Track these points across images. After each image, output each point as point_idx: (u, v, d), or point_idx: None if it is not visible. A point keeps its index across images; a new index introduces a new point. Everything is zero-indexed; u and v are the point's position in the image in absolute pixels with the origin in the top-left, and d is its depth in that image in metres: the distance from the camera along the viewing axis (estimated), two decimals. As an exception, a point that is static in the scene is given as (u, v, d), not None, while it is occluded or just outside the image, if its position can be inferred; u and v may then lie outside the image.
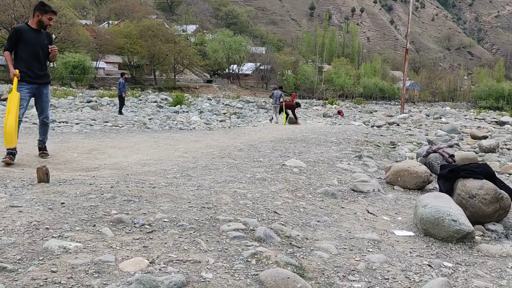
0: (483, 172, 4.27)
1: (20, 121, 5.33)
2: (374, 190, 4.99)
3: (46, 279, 2.02)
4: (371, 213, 4.18)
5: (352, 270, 2.70)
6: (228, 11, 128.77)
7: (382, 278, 2.65)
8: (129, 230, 2.78)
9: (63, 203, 3.22)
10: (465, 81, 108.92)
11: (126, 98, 21.14)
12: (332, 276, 2.58)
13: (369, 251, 3.10)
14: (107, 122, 15.43)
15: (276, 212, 3.62)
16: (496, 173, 4.73)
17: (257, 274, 2.34)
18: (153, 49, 62.39)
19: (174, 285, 2.07)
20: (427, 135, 14.65)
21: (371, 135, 12.36)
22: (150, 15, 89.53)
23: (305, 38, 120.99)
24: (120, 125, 14.71)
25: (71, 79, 51.28)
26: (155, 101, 31.85)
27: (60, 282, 2.01)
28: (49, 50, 5.53)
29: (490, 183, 4.17)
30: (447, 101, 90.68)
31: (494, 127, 20.35)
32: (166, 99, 34.71)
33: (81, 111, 20.42)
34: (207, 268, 2.35)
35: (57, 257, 2.27)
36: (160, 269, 2.25)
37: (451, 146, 9.29)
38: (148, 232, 2.77)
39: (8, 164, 5.06)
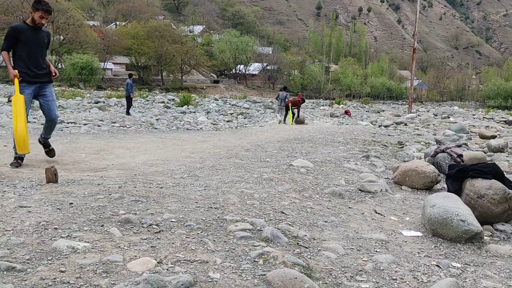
0: (492, 172, 4.24)
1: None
2: (381, 190, 4.97)
3: (54, 279, 2.04)
4: (378, 213, 4.17)
5: (360, 271, 2.69)
6: (234, 12, 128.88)
7: (390, 279, 2.64)
8: (137, 230, 2.80)
9: (72, 203, 3.24)
10: (473, 80, 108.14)
11: (133, 99, 21.23)
12: (340, 276, 2.57)
13: (376, 251, 3.09)
14: (114, 122, 15.51)
15: (283, 212, 3.61)
16: (505, 173, 4.69)
17: (264, 274, 2.34)
18: (160, 49, 62.59)
19: (182, 285, 2.08)
20: (435, 134, 14.56)
21: (378, 135, 12.31)
22: (157, 16, 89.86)
23: (312, 38, 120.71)
24: (127, 126, 14.78)
25: (79, 80, 51.59)
26: (162, 102, 31.96)
27: (68, 282, 2.02)
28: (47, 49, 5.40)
29: (499, 183, 4.14)
30: (455, 101, 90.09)
31: (503, 127, 20.20)
32: (173, 99, 34.82)
33: (89, 111, 20.54)
34: (215, 268, 2.35)
35: (66, 257, 2.28)
36: (167, 269, 2.26)
37: (459, 146, 9.22)
38: (155, 232, 2.78)
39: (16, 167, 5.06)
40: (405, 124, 20.54)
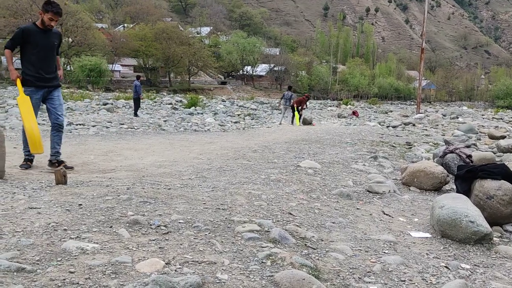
0: (501, 172, 4.20)
1: None
2: (389, 191, 4.95)
3: (64, 279, 2.05)
4: (386, 214, 4.15)
5: (368, 272, 2.68)
6: (242, 13, 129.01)
7: (398, 280, 2.63)
8: (145, 231, 2.81)
9: (81, 204, 3.27)
10: (482, 80, 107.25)
11: (141, 100, 21.32)
12: (348, 277, 2.57)
13: (385, 252, 3.08)
14: (123, 124, 15.59)
15: (290, 213, 3.61)
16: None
17: (272, 275, 2.34)
18: (167, 51, 62.82)
19: (190, 286, 2.09)
20: (444, 135, 14.47)
21: (386, 135, 12.26)
22: (165, 17, 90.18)
23: (319, 39, 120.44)
24: (135, 127, 14.85)
25: (88, 82, 51.94)
26: (170, 103, 32.09)
27: (78, 283, 2.03)
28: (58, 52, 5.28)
29: (508, 183, 4.10)
30: (464, 101, 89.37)
31: (513, 127, 19.99)
32: (180, 101, 34.93)
33: (98, 113, 20.67)
34: (223, 269, 2.36)
35: (75, 258, 2.30)
36: (176, 270, 2.27)
37: (468, 146, 9.16)
38: (164, 233, 2.79)
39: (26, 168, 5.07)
40: (414, 125, 20.43)
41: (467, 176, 4.45)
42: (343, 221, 3.71)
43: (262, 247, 2.74)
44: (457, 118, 26.24)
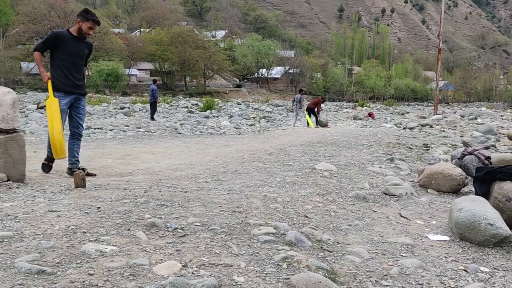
0: (521, 174, 4.14)
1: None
2: (406, 193, 4.90)
3: (83, 282, 2.09)
4: (404, 217, 4.11)
5: (385, 275, 2.67)
6: (256, 16, 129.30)
7: (416, 284, 2.60)
8: (162, 234, 2.84)
9: (99, 207, 3.32)
10: (501, 80, 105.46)
11: (158, 104, 21.52)
12: (365, 281, 2.55)
13: (402, 255, 3.05)
14: (139, 128, 15.75)
15: (306, 216, 3.61)
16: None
17: (288, 278, 2.35)
18: (183, 55, 63.28)
19: (207, 288, 2.10)
20: (462, 136, 14.27)
21: (403, 137, 12.14)
22: (180, 22, 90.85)
23: (334, 41, 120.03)
24: (152, 131, 14.99)
25: (105, 86, 52.64)
26: (186, 107, 32.30)
27: (97, 285, 2.07)
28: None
29: (528, 185, 4.03)
30: (483, 101, 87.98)
31: (533, 128, 19.60)
32: (196, 104, 35.15)
33: (115, 117, 20.92)
34: (239, 271, 2.37)
35: (94, 260, 2.34)
36: (192, 273, 2.28)
37: (487, 148, 9.01)
38: (180, 236, 2.82)
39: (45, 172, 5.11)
40: (431, 126, 20.18)
41: (486, 178, 4.38)
42: (360, 223, 3.69)
43: (278, 249, 2.74)
44: (476, 119, 25.84)
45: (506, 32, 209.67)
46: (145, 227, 2.92)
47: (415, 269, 2.81)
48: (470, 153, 6.25)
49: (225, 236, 2.90)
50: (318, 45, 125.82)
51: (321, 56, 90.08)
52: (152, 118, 19.81)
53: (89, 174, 4.96)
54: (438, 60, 28.74)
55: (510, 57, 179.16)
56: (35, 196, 3.69)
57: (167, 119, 21.71)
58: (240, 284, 2.22)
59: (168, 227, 2.95)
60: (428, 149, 9.70)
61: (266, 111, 32.89)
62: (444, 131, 17.35)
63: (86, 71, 6.16)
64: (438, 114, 28.32)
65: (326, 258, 2.79)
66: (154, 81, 21.02)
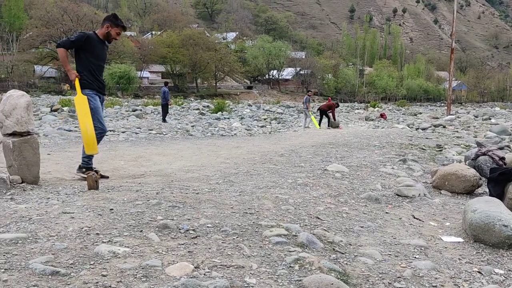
0: (537, 175, 4.08)
1: (103, 132, 5.11)
2: (419, 194, 4.86)
3: (97, 283, 2.11)
4: (417, 219, 4.08)
5: (398, 277, 2.64)
6: (267, 17, 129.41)
7: (429, 286, 2.58)
8: (174, 236, 2.85)
9: (112, 209, 3.34)
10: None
11: (169, 106, 21.65)
12: (377, 283, 2.54)
13: (415, 257, 3.03)
14: (151, 130, 15.85)
15: (318, 218, 3.60)
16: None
17: (300, 280, 2.34)
18: (194, 57, 63.59)
19: (219, 289, 2.11)
20: (476, 137, 14.10)
21: (415, 138, 12.04)
22: (191, 24, 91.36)
23: (345, 41, 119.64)
24: (164, 133, 15.07)
25: (117, 89, 53.12)
26: (197, 109, 32.44)
27: (110, 286, 2.08)
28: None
29: (544, 186, 3.98)
30: (497, 101, 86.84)
31: (549, 128, 19.29)
32: (207, 106, 35.27)
33: (127, 119, 21.08)
34: (251, 273, 2.37)
35: (107, 262, 2.35)
36: (204, 274, 2.29)
37: (501, 148, 8.90)
38: (192, 238, 2.83)
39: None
40: (444, 127, 19.99)
41: (500, 179, 4.33)
42: (372, 225, 3.67)
43: (290, 251, 2.74)
44: (489, 119, 25.55)
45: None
46: (157, 229, 2.94)
47: (429, 271, 2.78)
48: (484, 154, 6.17)
49: (237, 237, 2.90)
50: (329, 46, 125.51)
51: (332, 57, 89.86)
52: (164, 120, 19.92)
53: (102, 176, 5.00)
54: (450, 60, 28.48)
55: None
56: (49, 198, 3.73)
57: (179, 121, 21.82)
58: (252, 286, 2.22)
59: (180, 229, 2.97)
60: (441, 150, 9.61)
61: (277, 113, 32.87)
62: (457, 131, 17.17)
63: None
64: (451, 115, 28.05)
65: (338, 260, 2.77)
66: (166, 84, 21.14)
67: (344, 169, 5.93)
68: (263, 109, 37.22)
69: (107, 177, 5.13)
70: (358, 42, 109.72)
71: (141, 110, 27.22)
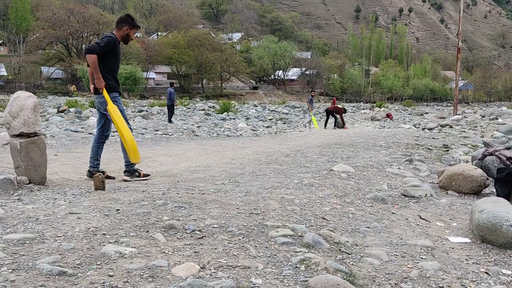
0: (545, 175, 4.05)
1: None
2: (426, 195, 4.84)
3: (104, 283, 2.12)
4: (423, 219, 4.06)
5: (405, 278, 2.63)
6: (273, 18, 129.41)
7: (436, 286, 2.57)
8: (180, 236, 2.86)
9: (118, 209, 3.36)
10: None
11: (175, 107, 21.69)
12: (384, 283, 2.53)
13: (422, 258, 3.01)
14: (157, 130, 15.88)
15: (324, 218, 3.59)
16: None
17: (306, 280, 2.34)
18: (200, 58, 63.72)
19: (225, 290, 2.11)
20: (483, 137, 14.01)
21: (422, 138, 11.99)
22: (197, 25, 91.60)
23: (351, 41, 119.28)
24: (170, 133, 15.10)
25: (123, 89, 53.30)
26: (203, 109, 32.48)
27: (117, 286, 2.09)
28: None
29: (552, 186, 3.94)
30: (504, 101, 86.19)
31: (557, 127, 19.12)
32: (213, 106, 35.32)
33: (133, 120, 21.14)
34: (257, 273, 2.37)
35: (114, 262, 2.36)
36: (210, 274, 2.29)
37: (508, 148, 8.84)
38: (198, 238, 2.83)
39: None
40: (451, 127, 19.88)
41: (507, 179, 4.31)
42: (378, 225, 3.66)
43: (296, 252, 2.74)
44: (497, 119, 25.38)
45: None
46: (163, 229, 2.95)
47: (435, 272, 2.77)
48: (491, 154, 6.13)
49: (243, 238, 2.90)
50: (335, 46, 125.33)
51: (338, 57, 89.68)
52: (170, 121, 19.96)
53: (108, 177, 5.03)
54: (457, 59, 28.33)
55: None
56: (56, 198, 3.76)
57: (185, 121, 21.85)
58: (258, 286, 2.22)
59: (186, 229, 2.97)
60: (448, 150, 9.56)
61: (283, 113, 32.83)
62: (464, 131, 17.07)
63: None
64: (458, 114, 27.88)
65: (344, 260, 2.77)
66: (171, 84, 21.18)
67: (350, 169, 5.91)
68: (269, 109, 37.19)
69: (114, 178, 5.16)
70: (364, 42, 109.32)
71: (147, 111, 27.30)
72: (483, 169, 5.83)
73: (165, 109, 24.42)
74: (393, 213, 4.17)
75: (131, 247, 2.59)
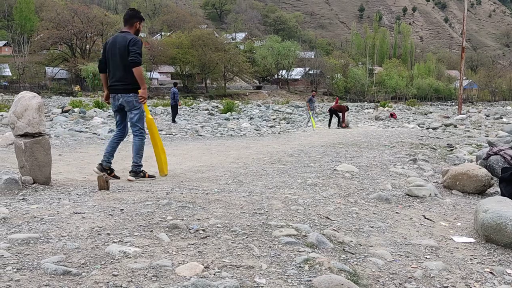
0: (550, 174, 4.03)
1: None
2: (430, 194, 4.82)
3: (108, 282, 2.12)
4: (427, 219, 4.05)
5: (409, 278, 2.63)
6: (276, 17, 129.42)
7: (441, 286, 2.56)
8: (184, 236, 2.86)
9: (122, 209, 3.36)
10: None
11: (179, 107, 21.71)
12: (388, 283, 2.52)
13: (426, 258, 3.01)
14: (161, 130, 15.90)
15: (328, 218, 3.59)
16: None
17: (310, 280, 2.33)
18: (204, 58, 63.78)
19: (229, 290, 2.11)
20: (487, 136, 13.95)
21: (426, 137, 11.96)
22: (201, 25, 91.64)
23: (354, 41, 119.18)
24: (173, 133, 15.13)
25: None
26: (207, 109, 32.51)
27: (121, 286, 2.10)
28: None
29: (557, 186, 3.92)
30: (508, 100, 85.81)
31: (562, 127, 19.02)
32: (217, 106, 35.34)
33: (137, 120, 21.13)
34: (260, 273, 2.37)
35: (118, 261, 2.37)
36: (214, 274, 2.30)
37: (513, 148, 8.80)
38: (202, 238, 2.84)
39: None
40: (455, 126, 19.82)
41: (512, 178, 4.29)
42: (382, 225, 3.65)
43: (300, 251, 2.73)
44: (501, 118, 25.28)
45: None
46: (167, 229, 2.95)
47: (440, 272, 2.76)
48: (495, 153, 6.11)
49: (247, 237, 2.90)
50: (339, 45, 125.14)
51: (342, 57, 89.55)
52: (174, 121, 19.99)
53: (114, 177, 5.06)
54: (461, 58, 28.24)
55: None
56: (60, 198, 3.77)
57: (188, 121, 21.88)
58: (261, 286, 2.22)
59: (190, 229, 2.98)
60: (452, 150, 9.53)
61: (286, 113, 32.82)
62: (468, 131, 17.01)
63: None
64: (462, 114, 27.79)
65: (348, 260, 2.76)
66: (175, 84, 21.19)
67: (354, 169, 5.90)
68: (272, 109, 37.18)
69: (118, 178, 5.17)
70: (368, 42, 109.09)
71: (150, 110, 27.35)
72: (487, 168, 5.81)
73: (169, 109, 24.45)
74: (397, 212, 4.16)
75: (135, 246, 2.60)
